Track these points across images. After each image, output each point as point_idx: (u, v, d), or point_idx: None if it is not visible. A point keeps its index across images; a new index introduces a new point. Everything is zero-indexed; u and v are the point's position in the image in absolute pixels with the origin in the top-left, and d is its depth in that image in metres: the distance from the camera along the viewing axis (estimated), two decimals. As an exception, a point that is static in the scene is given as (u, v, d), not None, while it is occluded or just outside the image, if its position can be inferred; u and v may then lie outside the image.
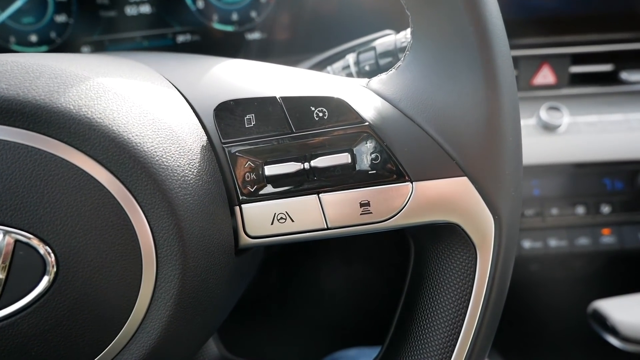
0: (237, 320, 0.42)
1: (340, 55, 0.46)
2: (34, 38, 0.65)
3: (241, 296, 0.41)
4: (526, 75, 0.72)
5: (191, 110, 0.30)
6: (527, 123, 0.71)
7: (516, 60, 0.71)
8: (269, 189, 0.29)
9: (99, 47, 0.67)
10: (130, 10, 0.66)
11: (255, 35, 0.69)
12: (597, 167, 0.72)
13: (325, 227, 0.29)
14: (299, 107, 0.29)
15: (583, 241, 0.73)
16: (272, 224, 0.29)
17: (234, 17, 0.67)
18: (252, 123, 0.29)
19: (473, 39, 0.28)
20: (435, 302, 0.31)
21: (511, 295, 0.82)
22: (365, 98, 0.30)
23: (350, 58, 0.44)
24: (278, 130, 0.29)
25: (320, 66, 0.47)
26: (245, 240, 0.30)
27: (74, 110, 0.25)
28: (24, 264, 0.25)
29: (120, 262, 0.26)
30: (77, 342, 0.26)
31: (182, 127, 0.28)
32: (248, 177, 0.29)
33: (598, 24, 0.71)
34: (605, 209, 0.73)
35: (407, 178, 0.29)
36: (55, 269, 0.25)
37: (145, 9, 0.66)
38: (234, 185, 0.29)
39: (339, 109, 0.29)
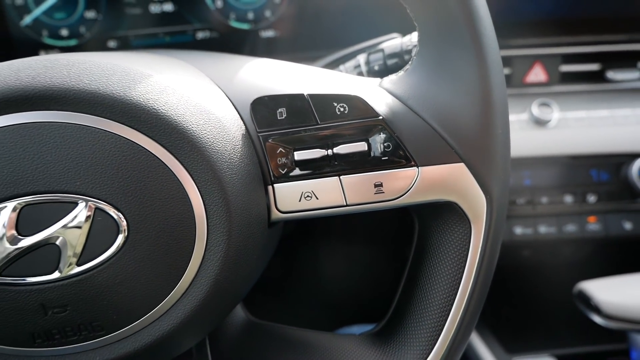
0: (256, 291, 0.47)
1: (352, 56, 0.51)
2: (64, 32, 0.70)
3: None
4: (519, 73, 0.76)
5: (231, 104, 0.36)
6: (519, 118, 0.75)
7: (510, 59, 0.76)
8: (297, 171, 0.35)
9: (124, 42, 0.72)
10: (154, 8, 0.71)
11: (269, 33, 0.74)
12: (584, 160, 0.76)
13: (345, 204, 0.35)
14: (324, 102, 0.34)
15: (570, 228, 0.78)
16: (299, 201, 0.35)
17: (250, 16, 0.72)
18: (284, 116, 0.34)
19: (471, 49, 0.33)
20: (436, 269, 0.37)
21: (504, 277, 0.88)
22: (379, 96, 0.36)
23: (361, 58, 0.49)
24: (306, 122, 0.34)
25: (333, 64, 0.52)
26: (276, 214, 0.35)
27: (144, 103, 0.30)
28: (101, 228, 0.30)
29: (178, 228, 0.31)
30: (141, 294, 0.32)
31: (226, 118, 0.34)
32: (280, 161, 0.35)
33: (586, 26, 0.76)
34: (592, 198, 0.77)
35: (413, 163, 0.34)
36: (126, 232, 0.30)
37: (168, 7, 0.71)
38: (267, 168, 0.35)
39: (357, 104, 0.34)
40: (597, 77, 0.78)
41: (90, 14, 0.70)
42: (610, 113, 0.76)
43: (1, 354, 0.32)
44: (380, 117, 0.34)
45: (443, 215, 0.36)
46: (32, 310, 0.31)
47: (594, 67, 0.78)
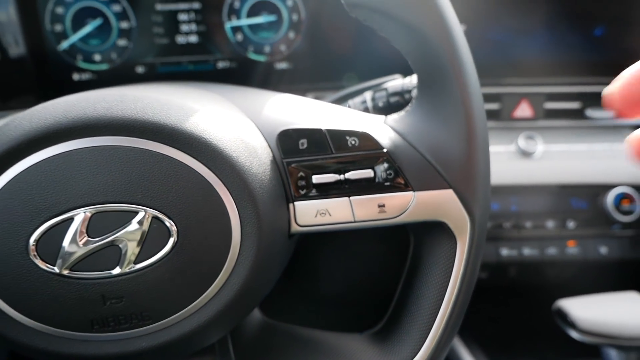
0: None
1: (359, 92, 0.58)
2: (97, 57, 0.77)
3: None
4: (508, 108, 0.84)
5: (260, 134, 0.43)
6: (507, 149, 0.83)
7: (500, 95, 0.84)
8: (314, 192, 0.41)
9: (151, 68, 0.79)
10: (181, 39, 0.78)
11: (282, 65, 0.81)
12: (565, 189, 0.83)
13: (353, 220, 0.41)
14: (338, 136, 0.41)
15: (552, 251, 0.84)
16: (315, 216, 0.41)
17: (267, 49, 0.80)
18: (305, 146, 0.41)
19: (459, 99, 0.40)
20: (428, 278, 0.43)
21: (491, 294, 0.94)
22: (384, 132, 0.43)
23: (367, 95, 0.57)
24: (323, 152, 0.41)
25: (343, 99, 0.59)
26: (295, 227, 0.42)
27: (196, 133, 0.37)
28: (156, 233, 0.37)
29: (217, 235, 0.38)
30: (184, 290, 0.38)
31: (258, 146, 0.40)
32: (299, 183, 0.41)
33: (569, 69, 0.84)
34: (571, 224, 0.83)
35: (411, 188, 0.41)
36: (176, 237, 0.37)
37: (193, 39, 0.78)
38: (289, 188, 0.42)
39: (366, 139, 0.41)
40: (577, 115, 0.86)
41: (122, 42, 0.77)
42: (589, 147, 0.84)
43: (62, 337, 0.38)
44: (384, 150, 0.41)
45: (434, 232, 0.43)
46: (94, 300, 0.37)
47: (575, 105, 0.86)
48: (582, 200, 0.84)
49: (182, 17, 0.77)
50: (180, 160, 0.37)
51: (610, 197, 0.81)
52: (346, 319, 0.78)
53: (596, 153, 0.84)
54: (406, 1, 0.39)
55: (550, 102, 0.85)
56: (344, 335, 0.48)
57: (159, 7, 0.76)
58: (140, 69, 0.79)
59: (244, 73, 0.81)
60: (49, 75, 0.77)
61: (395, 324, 0.45)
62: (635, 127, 0.89)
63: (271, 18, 0.79)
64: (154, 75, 0.79)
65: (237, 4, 0.78)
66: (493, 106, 0.85)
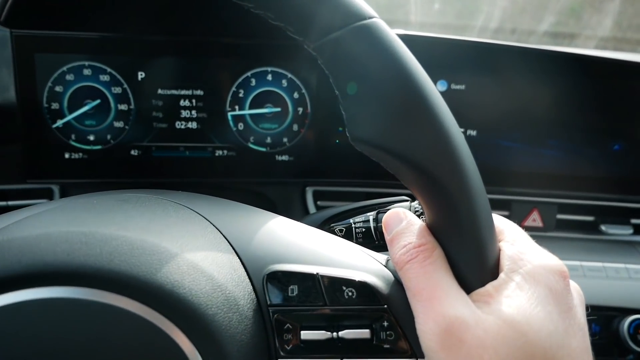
0: None
1: (363, 210, 0.54)
2: (91, 137, 0.74)
3: None
4: (518, 217, 0.80)
5: (245, 273, 0.38)
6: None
7: (510, 202, 0.80)
8: (302, 348, 0.36)
9: (146, 151, 0.75)
10: (179, 125, 0.75)
11: (284, 157, 0.78)
12: None
13: None
14: (333, 285, 0.36)
15: None
16: None
17: (268, 140, 0.77)
18: (294, 293, 0.36)
19: (472, 244, 0.35)
20: None
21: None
22: (385, 281, 0.38)
23: (371, 215, 0.52)
24: (314, 302, 0.36)
25: (344, 215, 0.55)
26: None
27: (168, 287, 0.32)
28: None
29: None
30: None
31: (241, 295, 0.35)
32: (286, 337, 0.36)
33: (584, 182, 0.81)
34: None
35: (414, 356, 0.36)
36: None
37: (193, 125, 0.75)
38: (274, 342, 0.36)
39: (364, 290, 0.36)
40: (591, 228, 0.82)
41: (118, 124, 0.74)
42: (602, 265, 0.78)
43: None
44: (385, 307, 0.36)
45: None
46: None
47: (588, 218, 0.82)
48: (594, 323, 0.77)
49: (184, 102, 0.74)
50: (148, 319, 0.32)
51: (626, 323, 0.75)
52: None
53: (610, 272, 0.78)
54: (417, 144, 0.35)
55: (562, 214, 0.81)
56: None
57: (161, 91, 0.74)
58: (134, 152, 0.75)
59: (242, 162, 0.77)
60: (40, 152, 0.73)
61: None
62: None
63: (275, 110, 0.76)
64: (148, 159, 0.76)
65: (241, 93, 0.75)
66: (501, 213, 0.80)
